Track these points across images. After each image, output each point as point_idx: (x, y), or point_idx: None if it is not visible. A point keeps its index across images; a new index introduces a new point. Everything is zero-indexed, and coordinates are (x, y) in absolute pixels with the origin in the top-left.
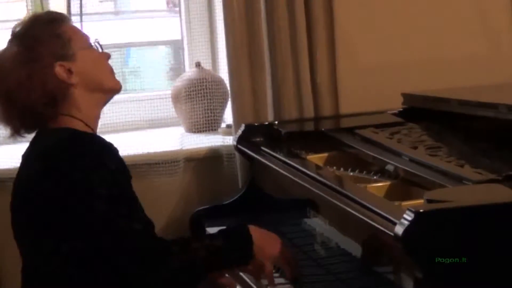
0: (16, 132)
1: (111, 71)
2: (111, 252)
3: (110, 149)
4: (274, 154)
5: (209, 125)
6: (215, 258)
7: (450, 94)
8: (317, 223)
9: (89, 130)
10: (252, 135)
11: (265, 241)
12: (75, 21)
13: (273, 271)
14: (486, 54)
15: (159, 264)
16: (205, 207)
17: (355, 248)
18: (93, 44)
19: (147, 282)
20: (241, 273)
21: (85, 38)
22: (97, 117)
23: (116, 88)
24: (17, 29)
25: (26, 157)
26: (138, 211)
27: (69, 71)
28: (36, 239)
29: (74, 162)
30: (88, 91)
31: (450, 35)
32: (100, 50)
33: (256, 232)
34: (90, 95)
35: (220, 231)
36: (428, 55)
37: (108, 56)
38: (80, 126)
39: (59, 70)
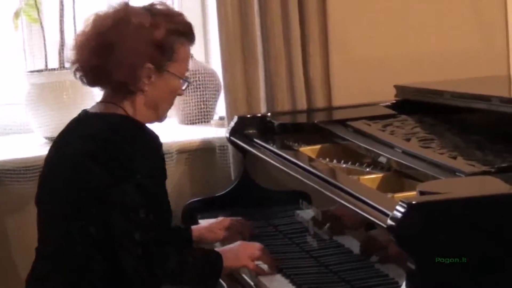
0: (78, 69)
1: (171, 106)
2: (121, 237)
3: (157, 143)
4: (267, 146)
5: (202, 117)
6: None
7: (443, 86)
8: (309, 215)
9: None
10: (244, 127)
11: (230, 257)
12: (69, 15)
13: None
14: (479, 48)
15: (158, 264)
16: (197, 199)
17: (347, 240)
18: (186, 77)
19: (145, 277)
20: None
21: (185, 68)
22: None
23: (160, 119)
24: (159, 7)
25: (69, 135)
26: (160, 212)
27: (149, 77)
28: (66, 218)
29: (123, 147)
30: (146, 104)
31: (443, 29)
32: (184, 86)
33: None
34: (145, 108)
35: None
36: (421, 49)
37: (181, 94)
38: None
39: (145, 69)
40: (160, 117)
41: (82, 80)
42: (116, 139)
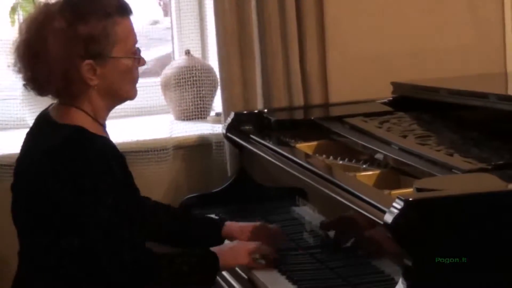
0: (28, 85)
1: (135, 81)
2: (106, 257)
3: (116, 155)
4: (264, 142)
5: (199, 113)
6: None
7: (440, 83)
8: (306, 212)
9: (97, 126)
10: (241, 123)
11: (228, 256)
12: None
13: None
14: (476, 44)
15: (149, 278)
16: (194, 195)
17: (344, 237)
18: (134, 53)
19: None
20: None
21: (131, 43)
22: (106, 115)
23: (131, 98)
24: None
25: (30, 147)
26: (136, 223)
27: (94, 71)
28: (36, 230)
29: (84, 167)
30: (103, 95)
31: (440, 25)
32: (136, 56)
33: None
34: (103, 99)
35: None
36: (418, 45)
37: (142, 64)
38: (88, 121)
39: (84, 67)
40: (126, 97)
41: (34, 91)
42: (75, 159)
